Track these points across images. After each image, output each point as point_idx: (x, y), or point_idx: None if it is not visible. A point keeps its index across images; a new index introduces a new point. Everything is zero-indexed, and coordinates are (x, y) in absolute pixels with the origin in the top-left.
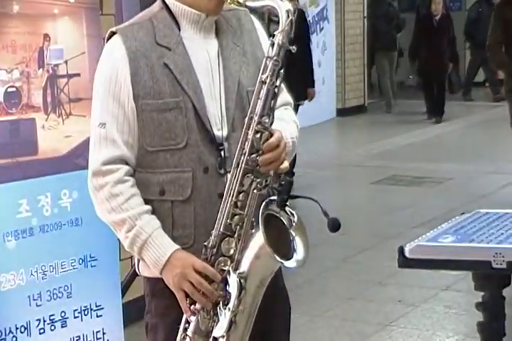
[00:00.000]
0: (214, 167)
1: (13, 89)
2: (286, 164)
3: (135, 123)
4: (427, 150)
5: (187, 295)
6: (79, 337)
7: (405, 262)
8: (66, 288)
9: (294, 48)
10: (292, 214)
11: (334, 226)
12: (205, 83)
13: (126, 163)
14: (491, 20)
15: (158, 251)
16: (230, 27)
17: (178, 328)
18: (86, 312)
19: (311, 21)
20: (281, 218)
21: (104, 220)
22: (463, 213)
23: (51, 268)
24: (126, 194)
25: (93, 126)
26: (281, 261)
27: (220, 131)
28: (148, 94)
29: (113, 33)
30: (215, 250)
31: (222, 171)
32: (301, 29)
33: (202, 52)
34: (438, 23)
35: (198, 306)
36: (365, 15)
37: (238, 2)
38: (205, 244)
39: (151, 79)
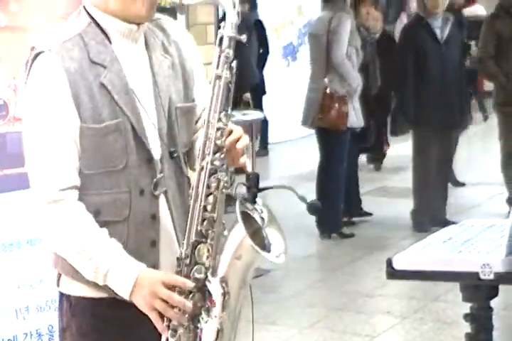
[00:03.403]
0: (149, 188)
1: (1, 102)
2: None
3: (78, 146)
4: None
5: (161, 315)
6: None
7: (393, 273)
8: (53, 301)
9: (244, 38)
10: (262, 210)
11: (313, 208)
12: (141, 100)
13: (76, 188)
14: (482, 33)
15: (124, 277)
16: (156, 38)
17: None
18: None
19: (297, 34)
20: (254, 216)
21: (53, 245)
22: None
23: (38, 281)
24: (83, 222)
25: (44, 151)
26: (264, 253)
27: (155, 150)
28: (89, 118)
29: (40, 52)
30: (188, 260)
31: (156, 192)
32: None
33: (134, 67)
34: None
35: (175, 323)
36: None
37: (174, 2)
38: (177, 256)
39: (91, 101)
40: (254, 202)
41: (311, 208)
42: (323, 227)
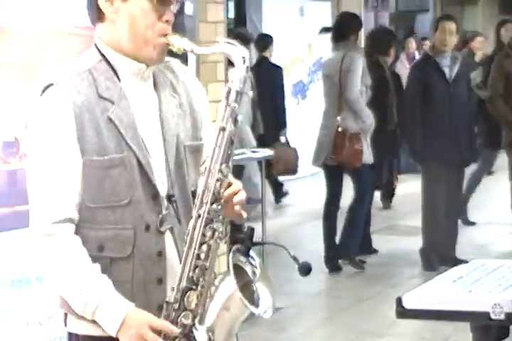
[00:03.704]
0: (155, 224)
1: (12, 139)
2: (245, 214)
3: (80, 179)
4: None
5: None
6: None
7: (403, 313)
8: (62, 338)
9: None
10: (255, 265)
11: (305, 270)
12: (147, 138)
13: (71, 221)
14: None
15: (112, 314)
16: (166, 78)
17: None
18: None
19: (307, 72)
20: (246, 269)
21: (48, 276)
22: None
23: (47, 318)
24: (75, 257)
25: (41, 184)
26: (253, 307)
27: (161, 186)
28: (93, 151)
29: (49, 85)
30: (177, 305)
31: (162, 229)
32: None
33: (142, 105)
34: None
35: None
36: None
37: (185, 49)
38: (167, 300)
39: (96, 135)
40: (247, 255)
41: (303, 269)
42: (332, 263)
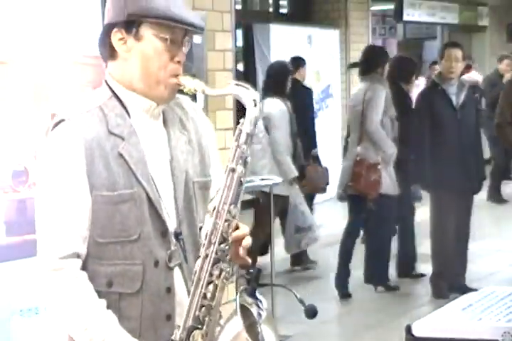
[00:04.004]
0: (164, 260)
1: (22, 169)
2: (249, 260)
3: (90, 214)
4: None
5: None
6: None
7: (413, 340)
8: None
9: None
10: (261, 308)
11: (311, 313)
12: (156, 174)
13: (78, 256)
14: (500, 99)
15: None
16: (176, 115)
17: None
18: None
19: (316, 99)
20: (252, 310)
21: (54, 311)
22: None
23: None
24: (81, 292)
25: (48, 219)
26: None
27: (170, 223)
28: (102, 186)
29: (61, 120)
30: None
31: (171, 264)
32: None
33: (152, 141)
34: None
35: None
36: None
37: (196, 90)
38: (172, 338)
39: (106, 170)
40: (254, 296)
41: (309, 312)
42: (342, 290)
